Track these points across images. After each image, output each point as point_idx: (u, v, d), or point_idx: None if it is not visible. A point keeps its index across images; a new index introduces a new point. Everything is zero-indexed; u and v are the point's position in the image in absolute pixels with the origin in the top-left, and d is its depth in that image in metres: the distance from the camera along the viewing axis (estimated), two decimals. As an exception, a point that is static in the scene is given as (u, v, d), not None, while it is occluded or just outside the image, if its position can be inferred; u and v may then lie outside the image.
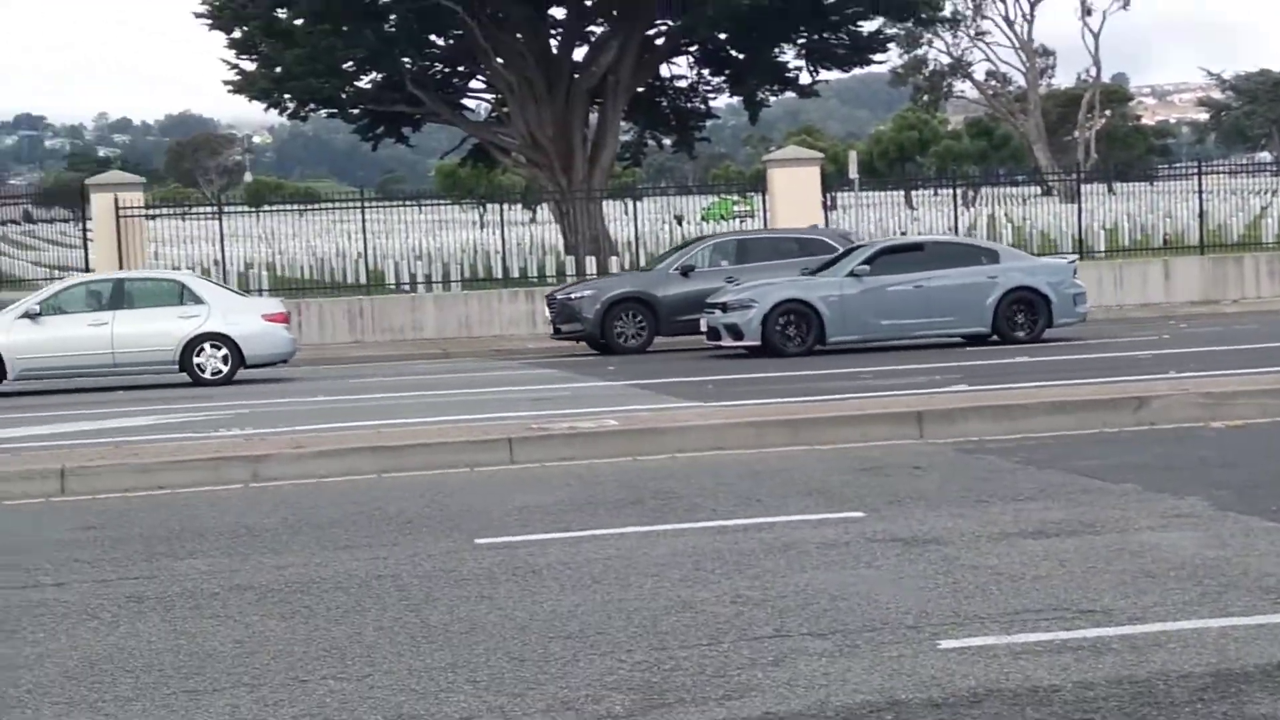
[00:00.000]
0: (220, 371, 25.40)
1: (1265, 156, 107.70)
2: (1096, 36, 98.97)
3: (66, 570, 10.07)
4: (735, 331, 26.22)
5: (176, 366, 25.47)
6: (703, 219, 61.31)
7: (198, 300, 25.76)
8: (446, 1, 40.87)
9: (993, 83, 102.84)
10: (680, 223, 56.22)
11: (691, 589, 8.76)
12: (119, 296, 25.85)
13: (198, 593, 9.22)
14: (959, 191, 47.09)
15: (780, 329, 25.96)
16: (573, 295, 30.10)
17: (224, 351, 25.43)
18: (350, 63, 42.60)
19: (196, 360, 25.38)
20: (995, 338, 26.55)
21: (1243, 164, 67.82)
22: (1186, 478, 11.84)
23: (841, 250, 28.63)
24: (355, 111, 45.54)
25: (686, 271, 29.68)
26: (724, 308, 26.49)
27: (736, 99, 48.28)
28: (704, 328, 27.08)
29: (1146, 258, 40.21)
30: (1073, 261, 28.80)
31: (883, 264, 26.69)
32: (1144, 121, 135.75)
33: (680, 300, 29.14)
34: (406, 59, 43.30)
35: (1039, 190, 70.96)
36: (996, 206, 65.98)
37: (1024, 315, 26.72)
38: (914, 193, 68.75)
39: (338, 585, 9.25)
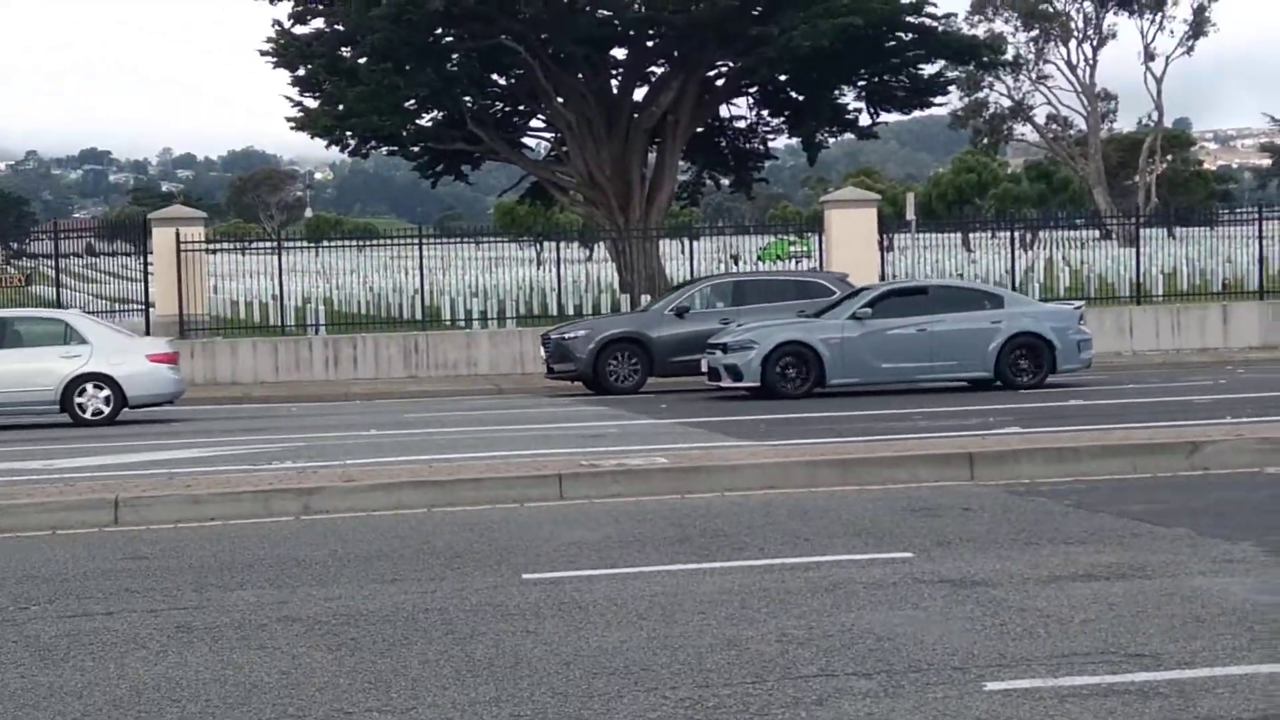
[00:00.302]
0: (101, 412, 25.07)
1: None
2: (1159, 81, 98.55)
3: (116, 600, 10.14)
4: (735, 372, 26.15)
5: (57, 407, 25.16)
6: (759, 259, 61.29)
7: (81, 340, 25.44)
8: (508, 41, 41.13)
9: (1053, 126, 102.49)
10: (736, 262, 56.21)
11: (737, 627, 8.74)
12: (1, 335, 25.54)
13: (245, 624, 9.27)
14: (1017, 234, 46.92)
15: (780, 371, 25.88)
16: (567, 335, 30.17)
17: (106, 392, 25.12)
18: (412, 101, 42.89)
19: (78, 400, 25.08)
20: (999, 383, 26.38)
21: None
22: (1240, 523, 11.74)
23: (839, 293, 28.60)
24: (416, 149, 45.82)
25: (681, 312, 29.74)
26: (725, 348, 26.44)
27: (795, 140, 48.32)
28: (705, 368, 27.06)
29: (1205, 302, 39.94)
30: (1079, 307, 28.58)
31: (885, 307, 26.63)
32: (1206, 166, 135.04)
33: (675, 341, 29.20)
34: (467, 98, 43.55)
35: (1098, 234, 70.66)
36: (1055, 250, 65.72)
37: (1027, 361, 26.54)
38: (972, 235, 68.57)
39: (384, 618, 9.28)
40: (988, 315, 26.72)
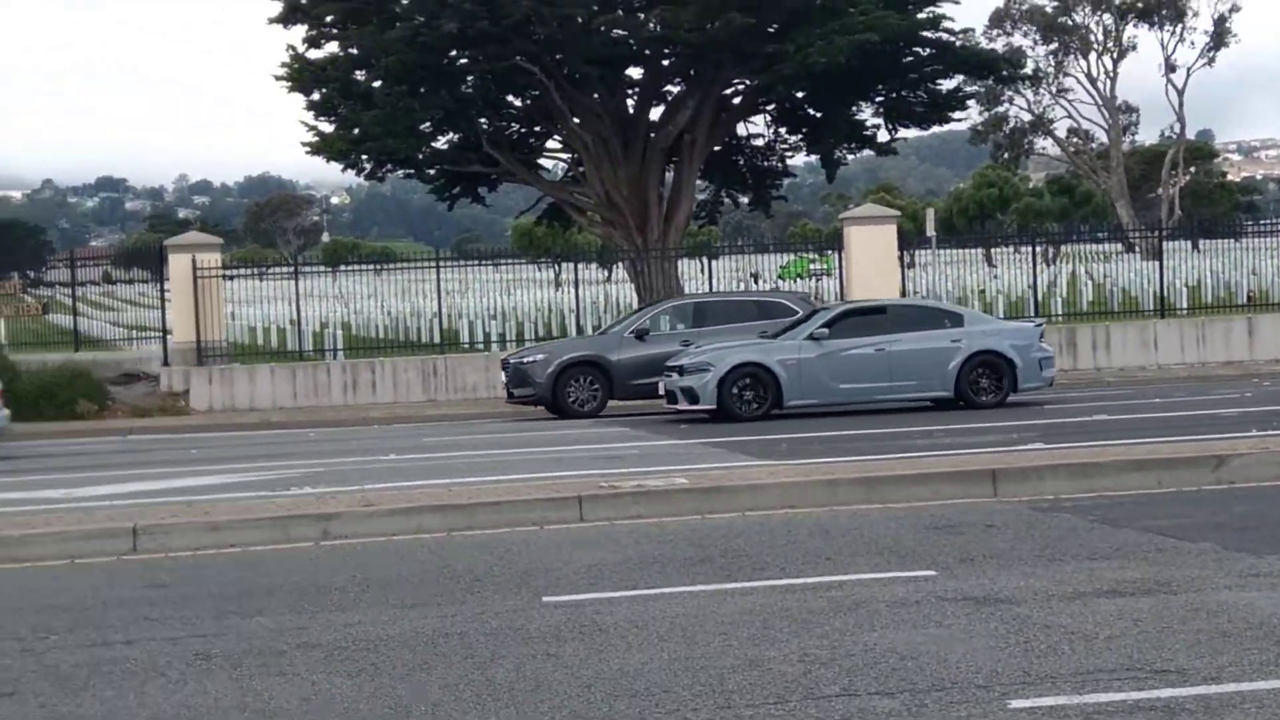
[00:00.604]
0: None
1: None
2: (1180, 93, 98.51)
3: (136, 628, 10.11)
4: (691, 395, 26.02)
5: None
6: (779, 277, 61.34)
7: None
8: (523, 63, 41.14)
9: (1075, 140, 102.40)
10: (756, 280, 56.21)
11: (759, 647, 8.68)
12: None
13: (265, 650, 9.23)
14: (1039, 249, 46.82)
15: (736, 393, 25.73)
16: (525, 359, 30.16)
17: None
18: (427, 124, 42.89)
19: None
20: (960, 403, 26.16)
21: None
22: (1265, 537, 11.66)
23: (801, 313, 28.51)
24: (432, 172, 45.81)
25: (641, 335, 29.69)
26: (681, 371, 26.31)
27: (814, 157, 48.23)
28: (662, 391, 26.97)
29: (1230, 315, 39.76)
30: (1040, 325, 28.44)
31: (843, 327, 26.48)
32: (1229, 178, 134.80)
33: (634, 364, 29.11)
34: (483, 120, 43.55)
35: (1121, 247, 70.53)
36: (1078, 264, 65.66)
37: (988, 379, 26.30)
38: (994, 250, 68.48)
39: (404, 643, 9.24)
40: (947, 334, 26.57)
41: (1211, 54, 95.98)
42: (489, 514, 14.05)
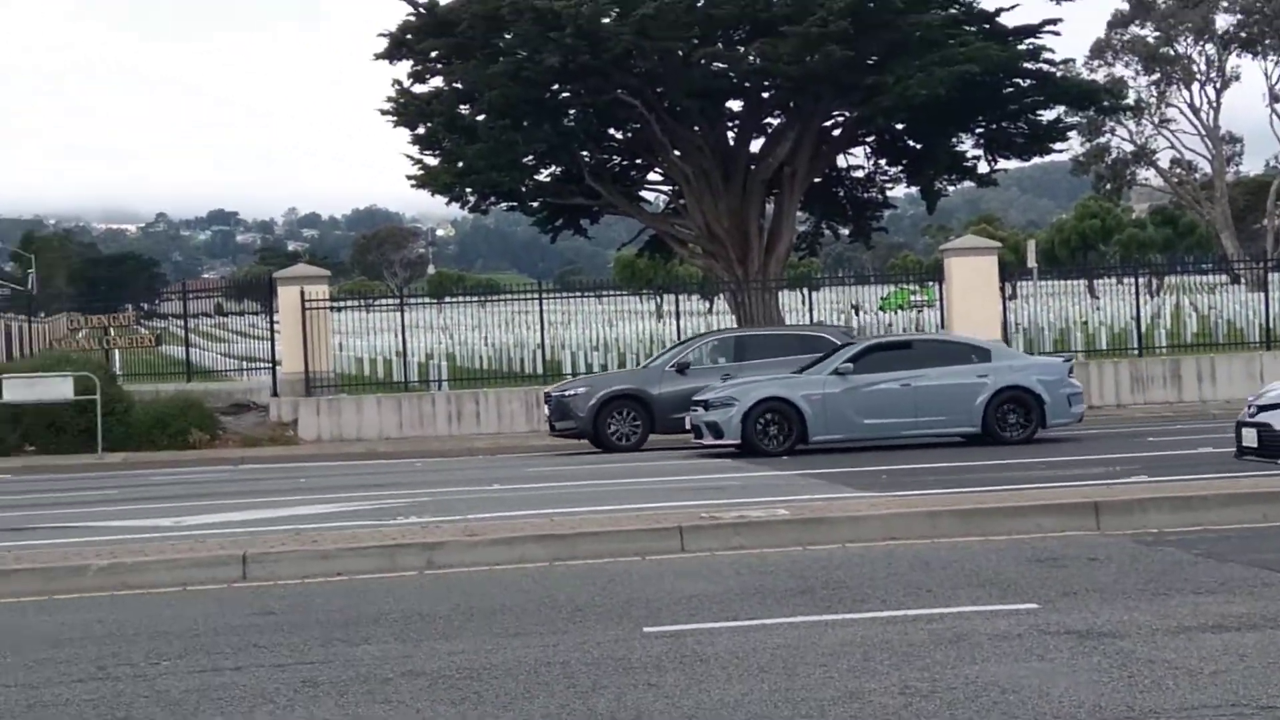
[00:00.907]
0: None
1: None
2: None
3: (245, 655, 10.27)
4: (716, 430, 26.00)
5: None
6: (880, 308, 61.16)
7: None
8: (624, 96, 41.35)
9: (1178, 170, 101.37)
10: (857, 312, 56.07)
11: (859, 679, 8.70)
12: None
13: (371, 678, 9.35)
14: (1143, 280, 46.37)
15: (761, 428, 25.68)
16: (567, 392, 30.20)
17: None
18: (530, 157, 43.19)
19: None
20: (987, 439, 25.87)
21: None
22: (1374, 571, 11.52)
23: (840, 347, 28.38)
24: (535, 204, 46.10)
25: (683, 368, 29.62)
26: (707, 405, 26.28)
27: (914, 188, 48.08)
28: (689, 425, 26.94)
29: (1339, 347, 39.16)
30: (1069, 360, 28.08)
31: (869, 362, 26.37)
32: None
33: (675, 398, 28.96)
34: (585, 153, 43.79)
35: (1226, 279, 69.72)
36: (1182, 295, 64.98)
37: (1016, 415, 26.06)
38: (1097, 282, 67.91)
39: (507, 672, 9.33)
40: (974, 369, 26.38)
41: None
42: (591, 544, 14.15)
